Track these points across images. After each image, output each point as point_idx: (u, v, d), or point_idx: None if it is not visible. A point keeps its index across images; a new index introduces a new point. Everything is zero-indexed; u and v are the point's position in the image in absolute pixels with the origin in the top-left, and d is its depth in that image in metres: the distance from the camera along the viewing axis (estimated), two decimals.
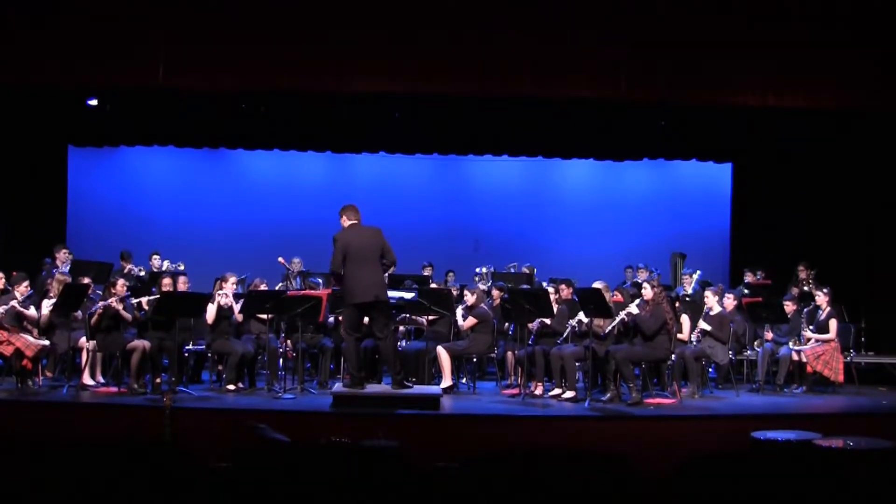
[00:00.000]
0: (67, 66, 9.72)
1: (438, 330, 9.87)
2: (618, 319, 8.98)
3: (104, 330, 9.02)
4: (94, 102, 11.82)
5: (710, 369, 10.26)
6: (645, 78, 10.09)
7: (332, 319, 9.97)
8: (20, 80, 9.91)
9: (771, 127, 11.97)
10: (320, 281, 10.54)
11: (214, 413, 8.05)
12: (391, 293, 8.96)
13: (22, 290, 9.10)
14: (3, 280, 9.46)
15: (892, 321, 11.62)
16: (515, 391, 9.38)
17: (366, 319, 8.49)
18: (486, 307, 9.80)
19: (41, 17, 9.64)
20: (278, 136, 12.84)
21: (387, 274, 8.84)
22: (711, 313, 9.65)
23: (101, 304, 8.96)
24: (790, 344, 9.97)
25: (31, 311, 9.15)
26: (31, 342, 8.94)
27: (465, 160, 13.66)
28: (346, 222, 8.32)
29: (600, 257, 13.36)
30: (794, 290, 10.92)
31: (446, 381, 9.31)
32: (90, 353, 9.13)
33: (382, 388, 8.60)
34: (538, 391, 9.26)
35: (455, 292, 10.27)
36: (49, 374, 9.68)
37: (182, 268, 11.10)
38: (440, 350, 9.40)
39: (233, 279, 9.67)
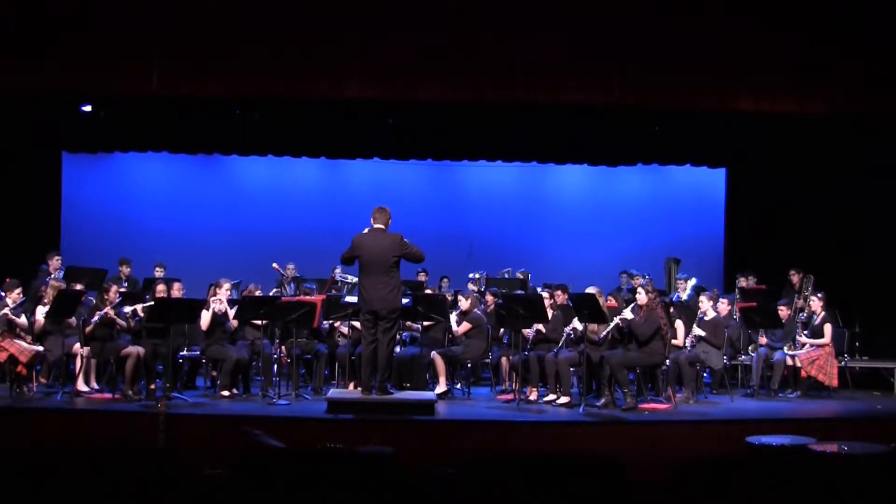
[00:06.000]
0: (63, 74, 9.70)
1: (433, 335, 9.87)
2: (612, 325, 8.99)
3: (98, 336, 9.00)
4: (88, 109, 11.79)
5: (705, 374, 10.26)
6: (639, 83, 10.11)
7: (326, 325, 9.96)
8: (15, 87, 9.89)
9: (765, 132, 11.99)
10: (314, 287, 10.54)
11: (209, 419, 8.03)
12: None
13: (14, 297, 9.05)
14: None
15: (887, 325, 11.64)
16: (510, 397, 9.36)
17: None
18: (480, 312, 9.80)
19: (36, 25, 9.63)
20: (272, 142, 12.82)
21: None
22: (706, 318, 9.64)
23: (98, 315, 8.95)
24: (785, 349, 9.99)
25: (22, 320, 9.11)
26: (24, 348, 8.91)
27: (459, 166, 13.66)
28: (373, 223, 8.42)
29: (595, 263, 13.33)
30: (799, 302, 10.86)
31: (441, 387, 9.31)
32: (84, 360, 9.11)
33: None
34: (533, 397, 9.26)
35: (449, 298, 10.27)
36: (43, 381, 9.63)
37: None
38: (435, 356, 9.40)
39: (227, 285, 9.65)
